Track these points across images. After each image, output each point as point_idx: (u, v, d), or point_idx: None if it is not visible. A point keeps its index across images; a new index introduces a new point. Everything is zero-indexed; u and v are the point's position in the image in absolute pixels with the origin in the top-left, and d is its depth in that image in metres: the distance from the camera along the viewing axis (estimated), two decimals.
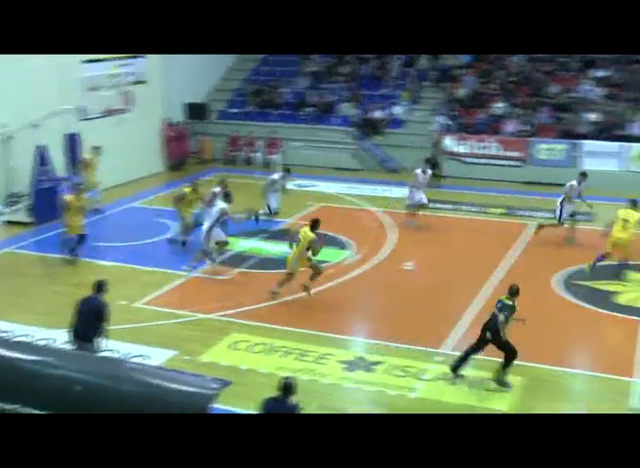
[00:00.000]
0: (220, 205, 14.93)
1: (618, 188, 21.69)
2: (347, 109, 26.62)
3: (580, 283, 14.45)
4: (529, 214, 19.40)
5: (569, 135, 23.58)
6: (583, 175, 17.26)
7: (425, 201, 18.34)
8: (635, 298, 13.65)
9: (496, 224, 17.59)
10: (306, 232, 13.49)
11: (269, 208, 18.40)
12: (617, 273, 14.65)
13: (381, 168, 25.06)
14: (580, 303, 13.53)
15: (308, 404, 8.66)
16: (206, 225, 14.90)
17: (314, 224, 13.63)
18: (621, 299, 13.63)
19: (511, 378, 10.56)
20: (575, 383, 11.04)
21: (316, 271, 13.68)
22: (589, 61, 25.52)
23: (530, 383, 10.55)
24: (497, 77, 26.32)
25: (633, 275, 14.71)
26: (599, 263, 14.73)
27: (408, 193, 18.55)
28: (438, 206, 19.93)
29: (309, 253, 13.47)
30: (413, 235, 17.72)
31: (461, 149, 24.43)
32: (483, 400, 10.15)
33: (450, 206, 20.34)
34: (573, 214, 16.88)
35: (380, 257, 16.01)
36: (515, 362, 10.55)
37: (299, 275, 13.53)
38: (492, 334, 10.32)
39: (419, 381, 10.69)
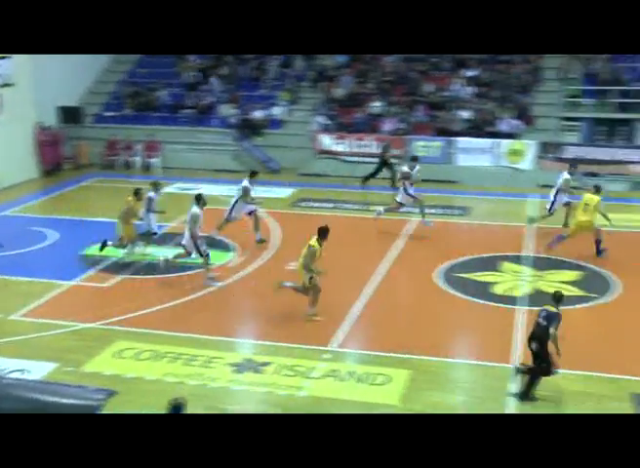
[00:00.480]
0: (194, 209, 14.19)
1: (491, 183, 22.65)
2: (226, 110, 26.46)
3: (459, 275, 14.94)
4: (409, 211, 19.87)
5: (444, 132, 24.35)
6: (574, 167, 17.85)
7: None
8: (510, 288, 14.23)
9: (378, 221, 17.91)
10: (311, 242, 12.42)
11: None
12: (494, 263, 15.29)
13: (263, 168, 25.09)
14: (459, 295, 13.98)
15: (196, 407, 8.53)
16: (187, 234, 14.18)
17: (321, 233, 12.43)
18: (498, 289, 14.18)
19: (397, 372, 10.80)
20: (458, 372, 11.39)
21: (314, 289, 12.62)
22: (460, 61, 26.43)
23: (415, 375, 10.81)
24: (373, 77, 26.85)
25: (508, 265, 15.36)
26: (557, 243, 15.75)
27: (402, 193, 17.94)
28: (317, 205, 20.17)
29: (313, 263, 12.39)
30: (295, 235, 17.78)
31: (340, 148, 24.79)
32: (371, 394, 10.31)
33: (330, 204, 20.59)
34: (567, 204, 17.31)
35: (264, 258, 16.00)
36: (404, 355, 10.79)
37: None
38: (538, 345, 9.86)
39: (307, 380, 10.75)
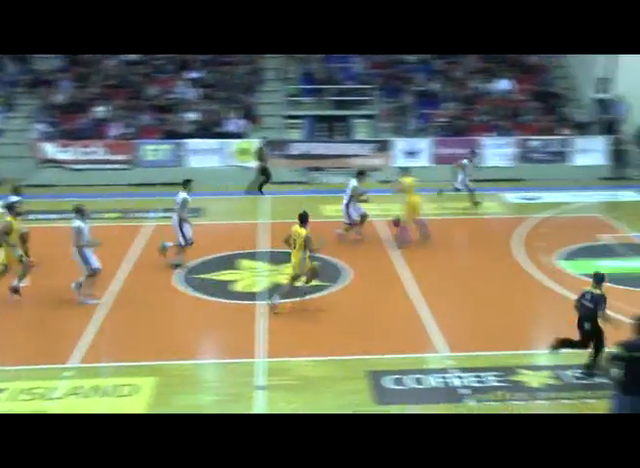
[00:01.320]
0: (182, 195, 14.88)
1: (222, 182, 22.95)
2: None
3: (199, 276, 14.99)
4: (143, 216, 19.56)
5: (173, 135, 24.25)
6: (361, 173, 17.51)
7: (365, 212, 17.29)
8: (250, 284, 14.56)
9: (115, 229, 17.40)
10: (298, 230, 12.75)
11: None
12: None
13: None
14: (201, 296, 14.02)
15: None
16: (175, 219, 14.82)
17: (302, 219, 12.86)
18: (238, 287, 14.44)
19: (145, 380, 10.60)
20: (206, 373, 11.43)
21: (313, 273, 13.13)
22: (183, 63, 26.47)
23: (164, 381, 10.66)
24: (94, 81, 26.00)
25: (246, 263, 15.68)
26: (405, 238, 16.38)
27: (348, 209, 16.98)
28: (41, 216, 19.08)
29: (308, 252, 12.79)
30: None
31: (65, 156, 23.72)
32: (118, 406, 10.01)
33: (55, 215, 19.50)
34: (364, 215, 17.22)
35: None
36: (151, 362, 10.58)
37: None
38: (590, 324, 10.40)
39: (48, 401, 10.16)
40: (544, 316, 13.74)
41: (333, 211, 19.00)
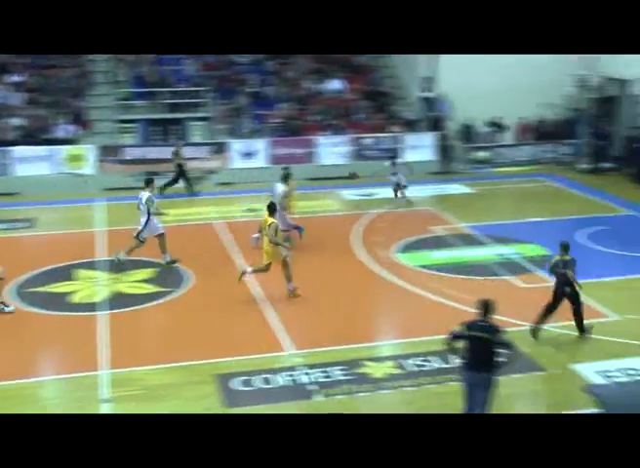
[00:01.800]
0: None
1: (54, 191, 21.99)
2: None
3: (33, 290, 14.30)
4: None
5: None
6: (286, 177, 16.96)
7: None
8: (89, 295, 14.05)
9: None
10: (267, 219, 13.53)
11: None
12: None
13: None
14: (36, 310, 13.38)
15: None
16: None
17: (270, 209, 13.67)
18: (75, 298, 13.90)
19: None
20: (46, 390, 10.91)
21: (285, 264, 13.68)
22: (2, 66, 25.11)
23: (1, 403, 10.11)
24: None
25: (83, 273, 15.13)
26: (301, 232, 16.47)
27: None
28: None
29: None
30: None
31: None
32: None
33: None
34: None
35: None
36: None
37: None
38: (569, 288, 11.67)
39: None
40: (385, 308, 14.23)
41: (172, 215, 18.76)
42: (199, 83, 25.97)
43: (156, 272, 15.22)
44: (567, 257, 11.78)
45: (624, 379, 10.61)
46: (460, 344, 8.98)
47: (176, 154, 22.04)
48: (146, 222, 15.25)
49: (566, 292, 11.78)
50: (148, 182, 15.70)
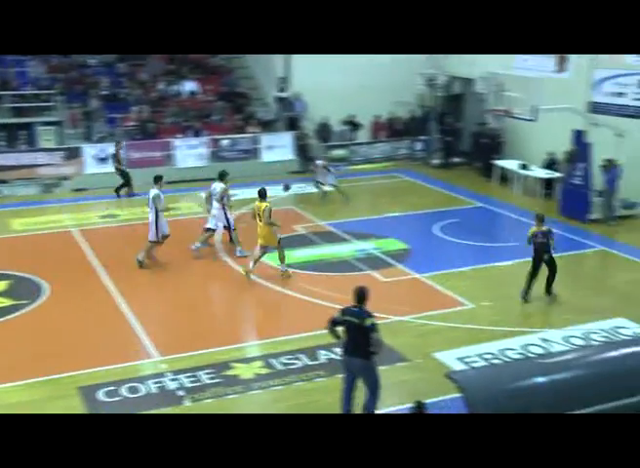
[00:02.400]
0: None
1: None
2: None
3: None
4: None
5: None
6: (222, 175, 16.53)
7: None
8: None
9: None
10: (259, 204, 14.25)
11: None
12: None
13: None
14: None
15: None
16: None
17: (261, 194, 14.35)
18: None
19: None
20: None
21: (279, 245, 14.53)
22: None
23: None
24: None
25: None
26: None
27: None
28: None
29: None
30: None
31: None
32: None
33: None
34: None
35: None
36: None
37: None
38: (548, 255, 13.11)
39: None
40: (251, 309, 14.24)
41: (23, 224, 17.97)
42: (46, 85, 24.94)
43: (10, 284, 14.51)
44: (544, 228, 13.10)
45: (481, 363, 11.15)
46: (340, 330, 9.27)
47: (114, 155, 21.88)
48: (156, 220, 15.14)
49: (544, 259, 13.14)
50: (157, 179, 15.51)
